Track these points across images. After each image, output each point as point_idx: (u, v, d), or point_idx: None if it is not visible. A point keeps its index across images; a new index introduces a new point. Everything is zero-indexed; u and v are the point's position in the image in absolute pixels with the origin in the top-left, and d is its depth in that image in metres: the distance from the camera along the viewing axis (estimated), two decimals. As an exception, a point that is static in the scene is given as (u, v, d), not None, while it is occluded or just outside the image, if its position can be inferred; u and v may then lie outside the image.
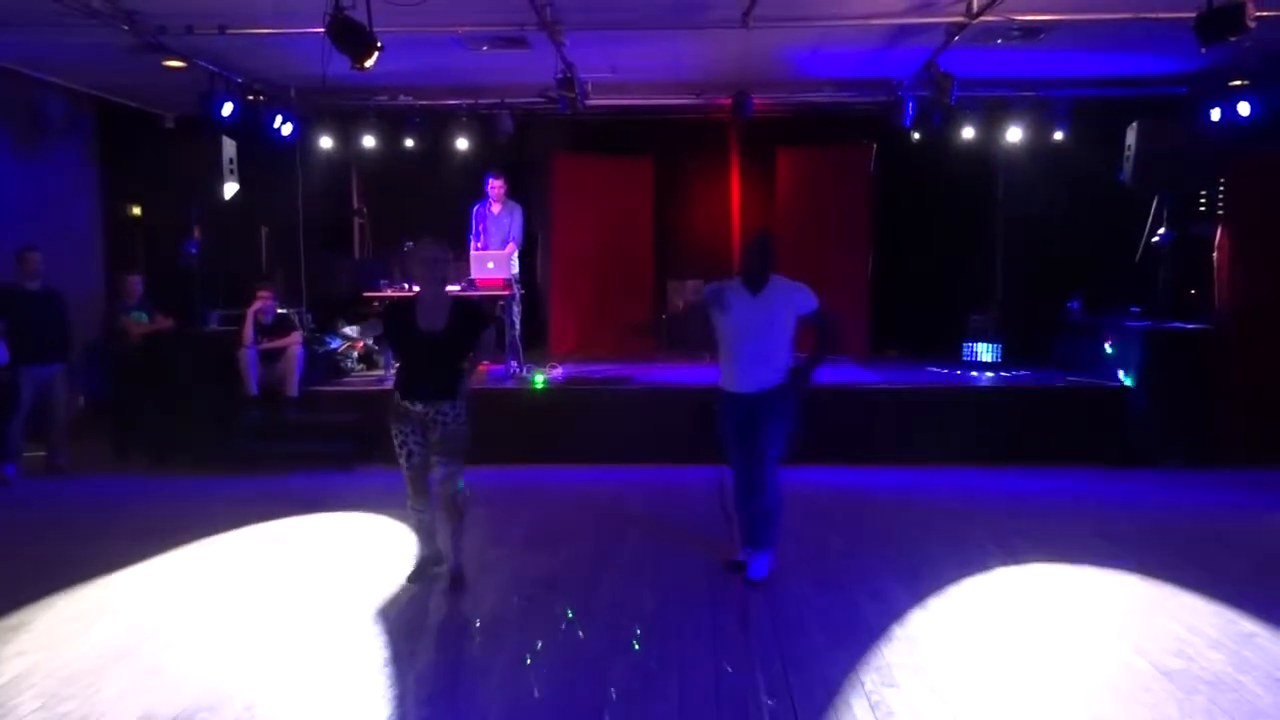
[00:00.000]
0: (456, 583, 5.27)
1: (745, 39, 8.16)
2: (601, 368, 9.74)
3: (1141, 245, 9.18)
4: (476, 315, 5.35)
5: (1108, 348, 8.89)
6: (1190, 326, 8.71)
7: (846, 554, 5.89)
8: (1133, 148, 8.68)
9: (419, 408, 5.12)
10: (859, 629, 4.68)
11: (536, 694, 4.03)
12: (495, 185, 9.88)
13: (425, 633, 4.71)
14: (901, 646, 4.46)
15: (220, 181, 8.90)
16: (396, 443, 5.22)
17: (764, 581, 5.27)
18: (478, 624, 4.80)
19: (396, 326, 5.22)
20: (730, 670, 4.21)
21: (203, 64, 8.84)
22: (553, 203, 11.57)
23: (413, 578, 5.36)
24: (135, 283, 9.06)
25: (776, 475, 5.28)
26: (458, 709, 3.91)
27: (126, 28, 7.46)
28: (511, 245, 9.75)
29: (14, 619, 4.90)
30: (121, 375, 9.00)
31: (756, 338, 5.18)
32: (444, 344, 5.10)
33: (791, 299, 5.20)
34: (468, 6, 7.01)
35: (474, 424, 5.25)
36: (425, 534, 5.46)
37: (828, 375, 9.57)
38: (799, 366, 5.20)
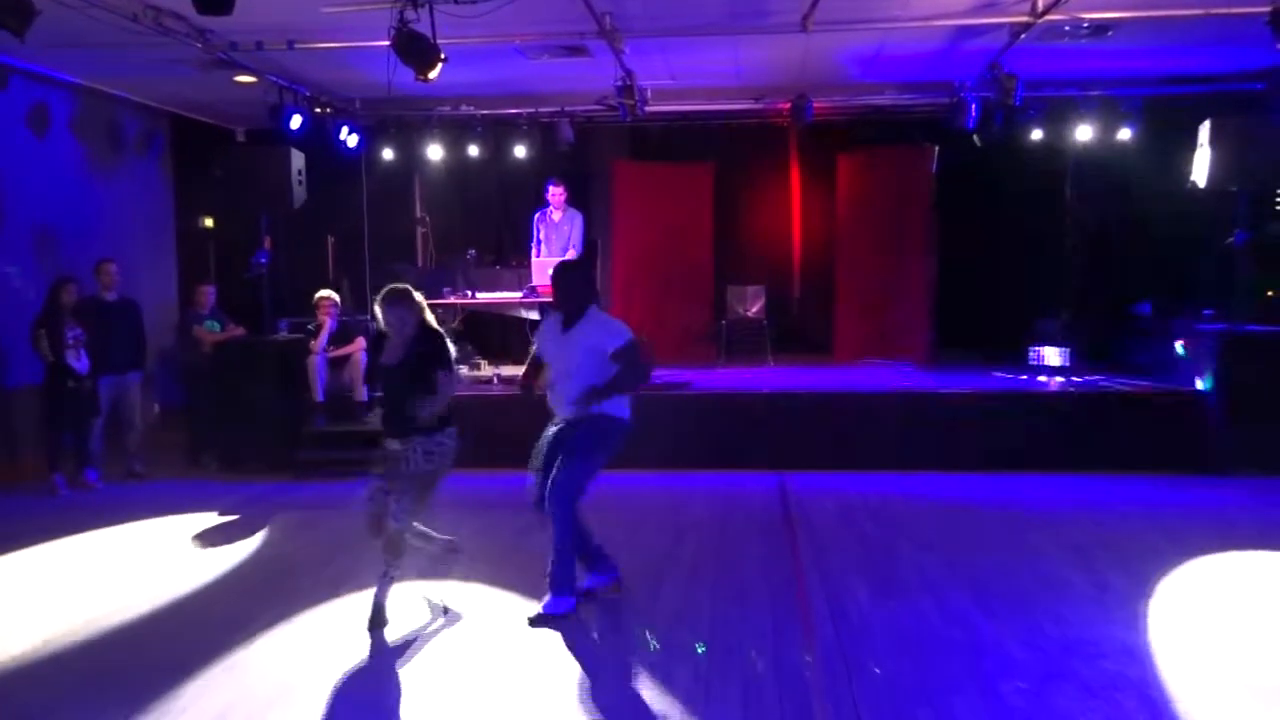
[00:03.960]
0: (375, 620, 4.89)
1: (805, 43, 8.13)
2: (661, 373, 9.73)
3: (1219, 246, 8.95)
4: (434, 347, 4.97)
5: (1179, 348, 8.64)
6: (1267, 329, 8.45)
7: (910, 560, 5.83)
8: (1206, 146, 8.46)
9: (395, 446, 4.93)
10: (924, 636, 4.62)
11: (600, 698, 4.05)
12: (555, 192, 9.98)
13: (488, 643, 4.76)
14: (968, 654, 4.39)
15: (289, 192, 9.09)
16: (368, 484, 5.08)
17: (540, 619, 4.86)
18: (541, 630, 4.84)
19: (373, 357, 5.10)
20: (793, 676, 4.19)
21: (272, 78, 9.07)
22: (613, 209, 11.62)
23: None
24: (208, 292, 9.31)
25: (564, 504, 4.93)
26: (518, 715, 3.95)
27: (199, 45, 7.68)
28: (572, 252, 9.83)
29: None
30: (194, 383, 9.25)
31: (566, 371, 5.00)
32: (401, 376, 4.91)
33: (601, 334, 4.99)
34: (528, 17, 7.09)
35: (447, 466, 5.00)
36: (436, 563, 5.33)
37: (893, 381, 9.50)
38: (595, 387, 4.88)
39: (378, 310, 4.96)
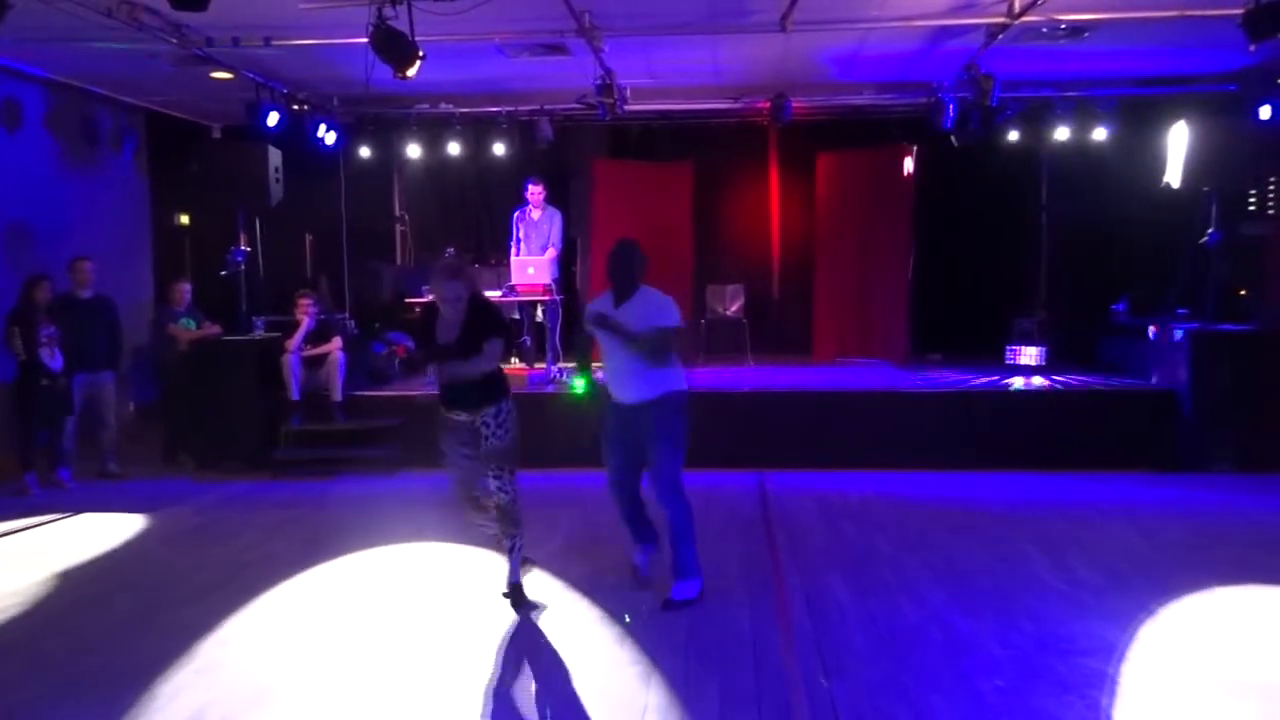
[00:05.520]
0: (514, 596, 5.12)
1: (784, 42, 8.15)
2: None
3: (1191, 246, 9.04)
4: (486, 317, 5.12)
5: (1150, 332, 8.71)
6: (1240, 328, 8.54)
7: (889, 559, 5.85)
8: (1180, 147, 8.55)
9: (463, 417, 5.06)
10: (901, 634, 4.64)
11: (578, 697, 4.05)
12: (535, 191, 9.95)
13: (468, 639, 4.75)
14: (946, 652, 4.42)
15: (266, 190, 9.03)
16: (444, 457, 5.20)
17: (672, 604, 5.00)
18: (520, 628, 4.83)
19: (422, 338, 5.21)
20: (771, 675, 4.20)
21: (249, 75, 9.00)
22: (593, 208, 11.60)
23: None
24: (183, 290, 9.23)
25: (676, 493, 5.08)
26: (500, 713, 3.94)
27: (175, 41, 7.61)
28: (552, 250, 9.82)
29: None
30: (170, 381, 9.17)
31: (621, 349, 5.05)
32: (462, 353, 4.99)
33: (650, 311, 5.06)
34: (507, 14, 7.07)
35: (520, 429, 5.14)
36: (495, 545, 5.41)
37: (872, 380, 9.54)
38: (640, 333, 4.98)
39: (433, 285, 5.09)
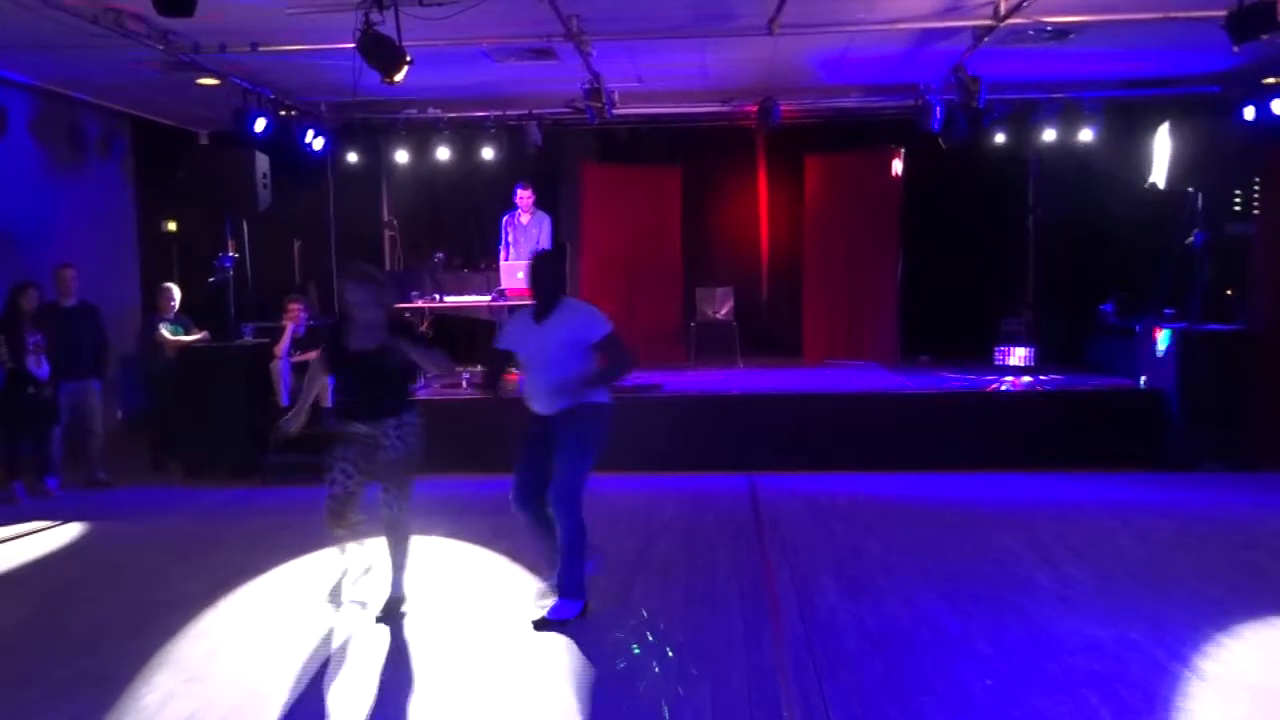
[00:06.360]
0: (390, 610, 4.98)
1: (771, 46, 8.17)
2: (631, 375, 9.73)
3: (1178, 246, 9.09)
4: (408, 329, 5.02)
5: (1160, 345, 8.72)
6: (1226, 328, 8.59)
7: (879, 560, 5.86)
8: (1165, 148, 8.60)
9: (362, 429, 4.93)
10: (893, 636, 4.65)
11: (570, 701, 4.04)
12: (523, 195, 9.96)
13: (461, 642, 4.74)
14: (936, 653, 4.42)
15: (254, 196, 9.00)
16: (325, 468, 5.01)
17: (545, 624, 4.80)
18: (512, 631, 4.83)
19: (331, 349, 5.03)
20: (763, 677, 4.20)
21: (236, 81, 8.98)
22: (582, 212, 11.63)
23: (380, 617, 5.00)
24: (171, 297, 9.18)
25: (571, 506, 4.82)
26: (492, 717, 3.94)
27: (161, 47, 7.59)
28: (541, 255, 9.81)
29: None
30: (157, 388, 9.13)
31: (543, 364, 4.84)
32: (378, 361, 4.83)
33: (580, 322, 4.86)
34: (495, 19, 7.07)
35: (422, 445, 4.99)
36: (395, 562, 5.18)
37: (861, 381, 9.57)
38: (581, 378, 4.78)
39: (344, 289, 4.95)
